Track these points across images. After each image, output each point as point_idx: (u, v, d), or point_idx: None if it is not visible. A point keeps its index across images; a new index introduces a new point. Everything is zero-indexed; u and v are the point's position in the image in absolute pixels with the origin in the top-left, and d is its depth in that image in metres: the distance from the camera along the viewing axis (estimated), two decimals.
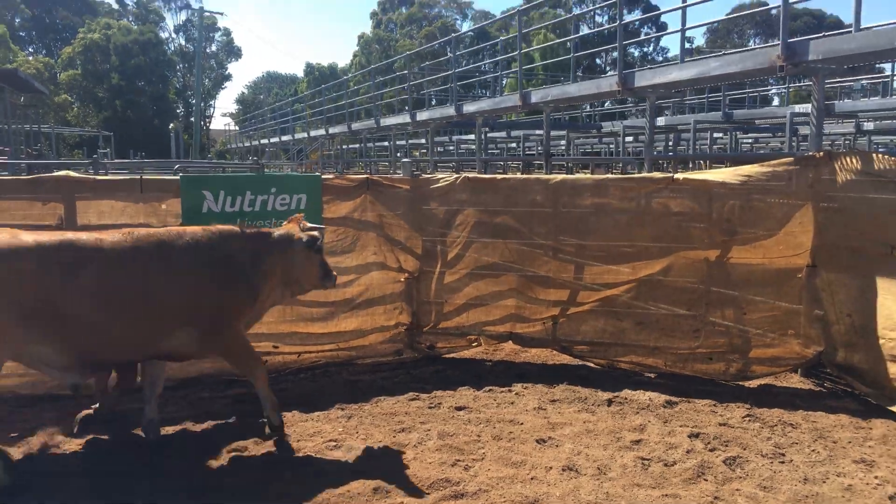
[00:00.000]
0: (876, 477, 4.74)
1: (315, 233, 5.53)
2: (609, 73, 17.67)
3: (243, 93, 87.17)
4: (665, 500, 4.42)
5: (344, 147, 27.49)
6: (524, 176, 9.44)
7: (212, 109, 74.38)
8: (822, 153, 6.47)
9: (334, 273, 5.71)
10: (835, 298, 6.43)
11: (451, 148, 26.36)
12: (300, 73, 79.68)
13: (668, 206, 7.11)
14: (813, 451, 5.23)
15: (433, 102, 22.32)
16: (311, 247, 5.48)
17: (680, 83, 8.46)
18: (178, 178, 6.64)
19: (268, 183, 6.90)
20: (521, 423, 5.74)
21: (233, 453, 5.13)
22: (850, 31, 6.49)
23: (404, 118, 18.29)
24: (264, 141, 36.41)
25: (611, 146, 26.27)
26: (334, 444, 5.33)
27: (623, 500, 4.42)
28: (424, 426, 5.67)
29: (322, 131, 26.56)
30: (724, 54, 7.49)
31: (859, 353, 6.21)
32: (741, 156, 15.79)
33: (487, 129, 17.09)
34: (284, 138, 33.04)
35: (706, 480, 4.72)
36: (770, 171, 6.70)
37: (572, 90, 11.08)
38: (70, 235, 4.99)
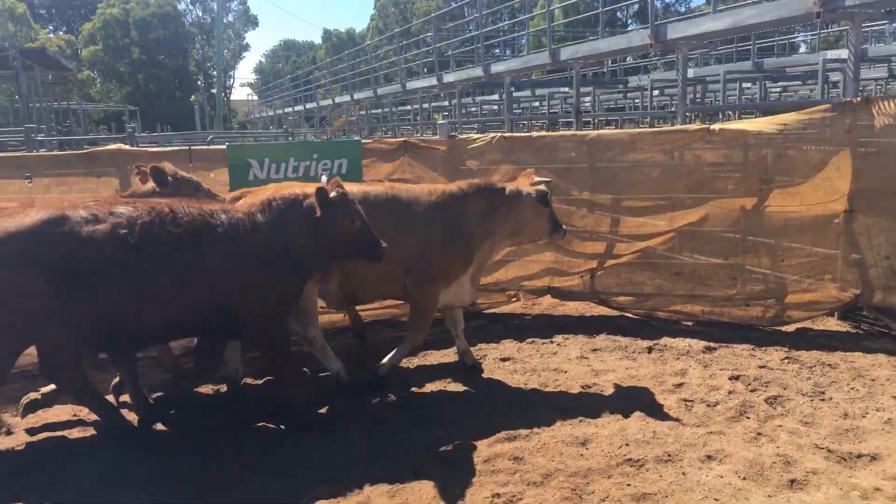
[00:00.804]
0: None
1: (543, 187, 5.76)
2: (639, 27, 17.41)
3: (261, 62, 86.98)
4: (710, 437, 4.63)
5: (366, 112, 27.51)
6: (559, 133, 9.52)
7: (232, 80, 74.38)
8: (859, 99, 6.48)
9: (564, 226, 5.98)
10: (872, 242, 6.51)
11: (474, 109, 26.28)
12: (317, 40, 79.19)
13: (705, 157, 7.19)
14: (852, 388, 5.39)
15: (452, 65, 22.14)
16: (541, 201, 5.76)
17: (714, 34, 8.41)
18: (224, 147, 6.86)
19: (310, 149, 7.10)
20: (566, 371, 5.97)
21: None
22: None
23: (430, 81, 18.27)
24: (288, 109, 36.53)
25: (636, 101, 26.03)
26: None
27: (669, 437, 4.63)
28: (473, 377, 5.92)
29: (347, 97, 26.59)
30: (758, 2, 7.40)
31: None
32: (773, 105, 15.61)
33: (513, 88, 17.02)
34: (309, 106, 33.10)
35: (748, 418, 4.91)
36: (807, 119, 6.73)
37: (602, 46, 11.03)
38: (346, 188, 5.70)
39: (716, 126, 7.13)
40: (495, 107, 28.02)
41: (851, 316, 7.08)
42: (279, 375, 5.19)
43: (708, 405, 5.13)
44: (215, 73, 61.73)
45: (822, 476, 4.08)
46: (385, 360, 5.79)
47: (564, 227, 5.96)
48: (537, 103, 26.12)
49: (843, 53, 12.87)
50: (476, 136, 7.78)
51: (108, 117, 48.41)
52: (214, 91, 60.52)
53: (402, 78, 20.35)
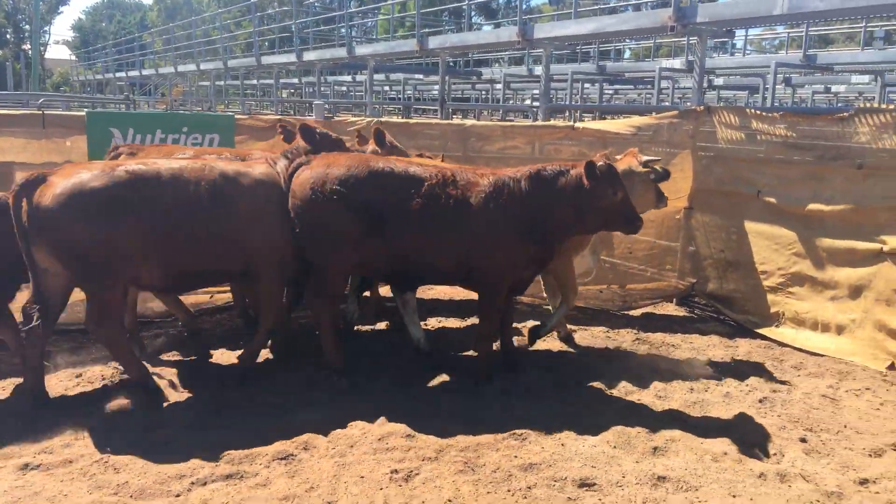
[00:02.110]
0: (746, 384, 5.63)
1: (657, 167, 6.05)
2: (488, 22, 18.01)
3: (81, 19, 79.71)
4: (583, 412, 5.05)
5: (211, 84, 26.15)
6: (436, 120, 9.73)
7: (47, 37, 67.39)
8: (702, 107, 7.25)
9: (666, 196, 6.21)
10: (709, 237, 7.34)
11: (325, 89, 25.86)
12: (146, 0, 73.83)
13: (566, 152, 7.69)
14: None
15: (302, 42, 21.57)
16: (658, 179, 5.93)
17: (577, 37, 8.98)
18: (83, 113, 6.37)
19: (180, 121, 6.77)
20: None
21: None
22: None
23: (289, 57, 17.75)
24: (120, 74, 33.67)
25: (483, 93, 26.91)
26: None
27: (548, 413, 4.97)
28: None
29: (192, 66, 25.11)
30: (620, 12, 8.01)
31: (730, 284, 7.18)
32: (615, 107, 16.83)
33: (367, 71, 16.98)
34: (146, 72, 30.78)
35: (613, 394, 5.40)
36: (656, 123, 7.43)
37: (471, 38, 11.36)
38: None
39: (579, 125, 7.68)
40: (344, 87, 27.78)
41: (687, 302, 7.93)
42: (482, 325, 5.58)
43: (578, 383, 5.57)
44: (28, 27, 55.68)
45: (679, 443, 4.59)
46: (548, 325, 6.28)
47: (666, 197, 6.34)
48: (387, 87, 26.27)
49: (676, 63, 14.21)
50: (353, 118, 7.78)
51: None
52: (25, 47, 54.50)
53: (257, 51, 19.57)
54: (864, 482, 4.14)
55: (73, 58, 60.36)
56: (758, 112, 6.91)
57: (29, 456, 4.19)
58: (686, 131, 7.32)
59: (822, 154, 6.41)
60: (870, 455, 4.49)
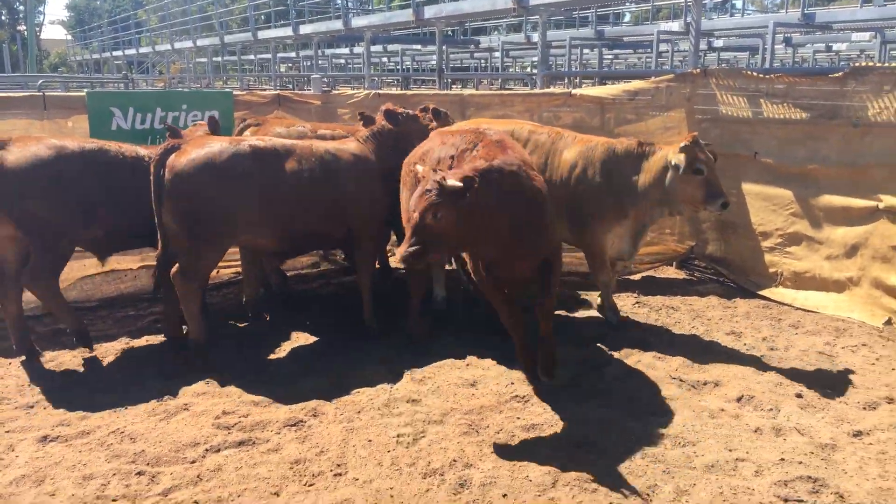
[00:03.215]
0: (745, 344, 5.75)
1: (684, 155, 5.29)
2: None
3: None
4: (586, 372, 5.17)
5: (209, 60, 25.99)
6: (433, 91, 9.74)
7: (41, 17, 66.88)
8: (698, 70, 7.26)
9: (725, 197, 5.38)
10: None
11: (323, 62, 25.70)
12: None
13: (566, 118, 7.72)
14: (693, 327, 6.18)
15: (301, 15, 21.40)
16: (689, 169, 5.30)
17: (572, 2, 8.93)
18: (83, 94, 6.42)
19: (179, 99, 6.83)
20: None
21: None
22: None
23: (286, 31, 17.63)
24: (117, 53, 33.43)
25: (482, 62, 26.73)
26: None
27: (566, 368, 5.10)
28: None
29: (189, 43, 24.94)
30: None
31: (729, 246, 7.26)
32: (615, 73, 16.70)
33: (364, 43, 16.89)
34: (143, 50, 30.58)
35: (616, 354, 5.51)
36: (653, 87, 7.45)
37: (466, 7, 11.29)
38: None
39: (577, 91, 7.70)
40: (342, 60, 27.62)
41: (687, 265, 8.00)
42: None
43: (577, 347, 5.67)
44: (22, 7, 55.22)
45: (677, 401, 4.72)
46: (605, 314, 6.22)
47: (725, 198, 5.41)
48: (386, 59, 26.08)
49: (675, 26, 14.11)
50: (351, 91, 7.82)
51: None
52: (21, 28, 54.10)
53: (253, 26, 19.45)
54: (857, 434, 4.26)
55: (69, 37, 59.90)
56: (754, 74, 6.92)
57: (47, 428, 4.33)
58: (683, 95, 7.33)
59: (819, 114, 6.44)
60: (864, 408, 4.61)
